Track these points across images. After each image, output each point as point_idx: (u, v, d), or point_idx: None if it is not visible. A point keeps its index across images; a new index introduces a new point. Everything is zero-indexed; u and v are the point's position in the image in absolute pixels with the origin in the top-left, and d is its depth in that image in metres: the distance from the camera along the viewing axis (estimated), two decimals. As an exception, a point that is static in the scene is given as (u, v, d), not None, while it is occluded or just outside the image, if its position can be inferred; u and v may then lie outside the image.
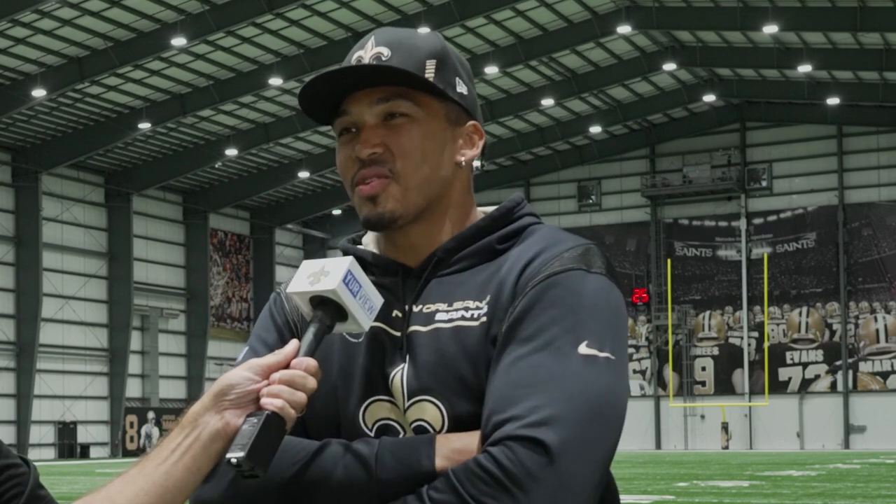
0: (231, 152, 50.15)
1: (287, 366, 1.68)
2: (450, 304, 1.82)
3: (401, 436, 1.80)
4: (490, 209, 1.94)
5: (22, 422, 47.83)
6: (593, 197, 59.72)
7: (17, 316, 47.97)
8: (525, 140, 55.75)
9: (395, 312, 1.84)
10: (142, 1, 37.38)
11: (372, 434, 1.81)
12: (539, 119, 54.12)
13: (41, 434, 49.27)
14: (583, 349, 1.70)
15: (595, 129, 54.92)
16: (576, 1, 42.50)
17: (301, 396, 1.65)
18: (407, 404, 1.80)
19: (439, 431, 1.76)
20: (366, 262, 1.89)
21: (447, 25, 40.71)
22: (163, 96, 45.26)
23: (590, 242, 1.84)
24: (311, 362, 1.68)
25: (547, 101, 49.83)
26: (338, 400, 1.84)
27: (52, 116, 45.82)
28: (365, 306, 1.74)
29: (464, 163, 1.90)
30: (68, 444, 50.24)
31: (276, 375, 1.67)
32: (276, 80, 42.84)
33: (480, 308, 1.80)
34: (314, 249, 63.31)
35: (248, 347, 1.95)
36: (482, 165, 1.94)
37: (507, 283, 1.80)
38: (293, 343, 1.72)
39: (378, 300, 1.77)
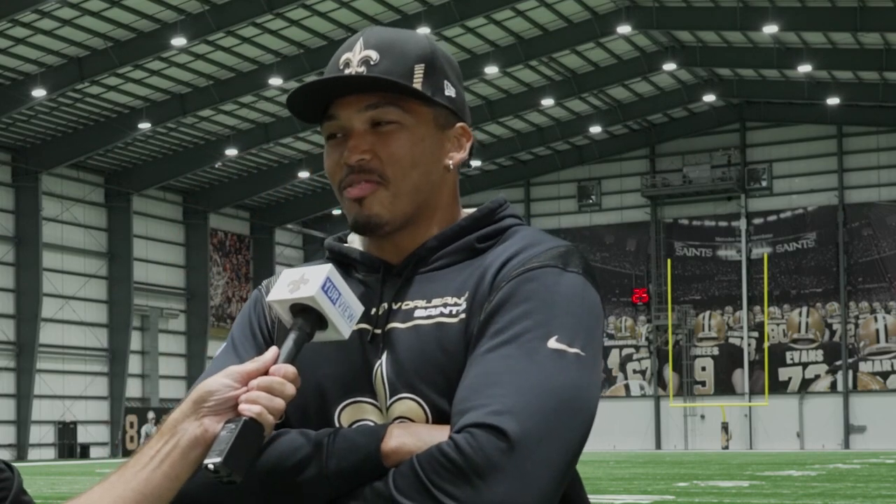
0: (231, 152, 50.16)
1: (266, 372, 1.70)
2: (428, 301, 1.83)
3: None
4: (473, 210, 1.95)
5: (22, 422, 47.82)
6: (593, 197, 59.72)
7: (17, 316, 47.95)
8: (525, 140, 55.75)
9: (375, 310, 1.85)
10: (142, 1, 37.38)
11: None
12: (539, 119, 54.11)
13: (41, 434, 49.27)
14: (552, 343, 1.72)
15: (595, 129, 54.92)
16: (576, 1, 42.51)
17: (279, 403, 1.67)
18: (389, 402, 1.80)
19: None
20: (350, 258, 1.92)
21: (447, 25, 40.72)
22: (163, 96, 45.26)
23: (571, 244, 1.86)
24: (290, 369, 1.70)
25: (547, 101, 49.83)
26: (308, 402, 1.84)
27: (52, 116, 45.81)
28: (345, 314, 1.75)
29: (452, 166, 1.90)
30: (68, 444, 50.20)
31: (254, 382, 1.68)
32: (276, 80, 42.83)
33: (459, 305, 1.80)
34: (314, 249, 63.26)
35: (226, 345, 1.97)
36: (469, 164, 1.96)
37: (486, 279, 1.81)
38: (272, 350, 1.73)
39: (358, 308, 1.77)
